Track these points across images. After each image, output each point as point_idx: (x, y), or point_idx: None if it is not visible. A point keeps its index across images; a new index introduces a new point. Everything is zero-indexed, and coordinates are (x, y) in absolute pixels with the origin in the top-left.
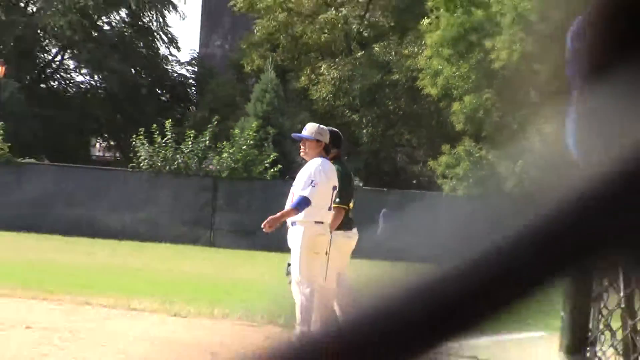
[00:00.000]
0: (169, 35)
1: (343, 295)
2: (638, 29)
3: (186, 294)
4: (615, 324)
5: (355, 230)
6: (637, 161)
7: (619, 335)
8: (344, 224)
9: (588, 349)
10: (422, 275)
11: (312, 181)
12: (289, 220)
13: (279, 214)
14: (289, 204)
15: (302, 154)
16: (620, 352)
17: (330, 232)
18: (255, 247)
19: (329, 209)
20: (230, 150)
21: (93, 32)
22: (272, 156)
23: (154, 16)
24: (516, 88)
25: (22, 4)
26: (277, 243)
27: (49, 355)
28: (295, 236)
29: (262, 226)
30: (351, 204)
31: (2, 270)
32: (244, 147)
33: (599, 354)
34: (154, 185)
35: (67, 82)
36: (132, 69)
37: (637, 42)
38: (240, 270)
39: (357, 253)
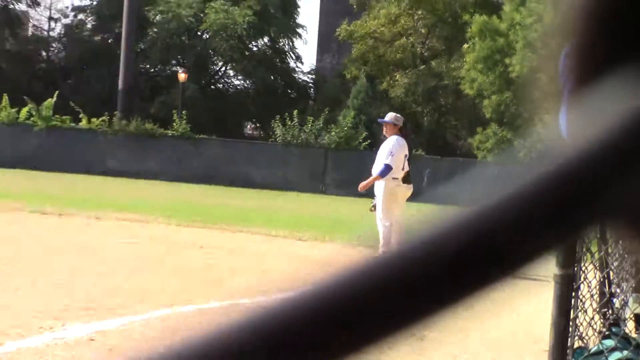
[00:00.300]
0: (296, 54)
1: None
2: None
3: (307, 225)
4: (594, 248)
5: (411, 185)
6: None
7: (596, 256)
8: (406, 180)
9: (575, 265)
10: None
11: (391, 152)
12: (374, 169)
13: (370, 179)
14: (375, 166)
15: (384, 132)
16: (597, 268)
17: None
18: (353, 195)
19: (402, 169)
20: (337, 130)
21: (246, 52)
22: (363, 134)
23: (286, 42)
24: (526, 90)
25: (199, 33)
26: (369, 192)
27: (213, 265)
28: (379, 188)
29: (358, 188)
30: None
31: (185, 209)
32: (345, 128)
33: (583, 268)
34: (286, 153)
35: (229, 85)
36: (272, 76)
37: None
38: (343, 210)
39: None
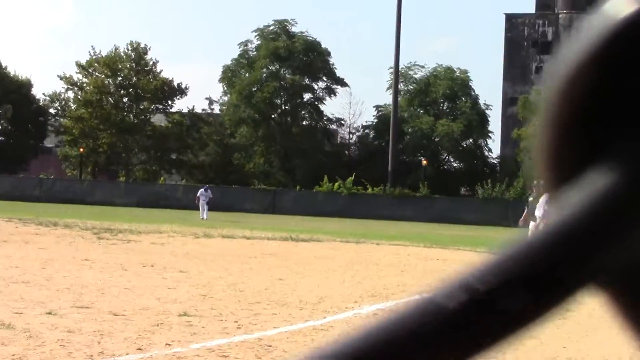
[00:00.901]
0: (488, 148)
1: None
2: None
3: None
4: None
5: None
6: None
7: None
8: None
9: None
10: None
11: (546, 201)
12: (537, 214)
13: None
14: (536, 211)
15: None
16: None
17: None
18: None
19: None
20: (513, 189)
21: (459, 148)
22: (529, 192)
23: (482, 140)
24: None
25: (433, 137)
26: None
27: (444, 270)
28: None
29: (519, 222)
30: None
31: (427, 237)
32: (518, 189)
33: None
34: (484, 204)
35: (450, 166)
36: (474, 161)
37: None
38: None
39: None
